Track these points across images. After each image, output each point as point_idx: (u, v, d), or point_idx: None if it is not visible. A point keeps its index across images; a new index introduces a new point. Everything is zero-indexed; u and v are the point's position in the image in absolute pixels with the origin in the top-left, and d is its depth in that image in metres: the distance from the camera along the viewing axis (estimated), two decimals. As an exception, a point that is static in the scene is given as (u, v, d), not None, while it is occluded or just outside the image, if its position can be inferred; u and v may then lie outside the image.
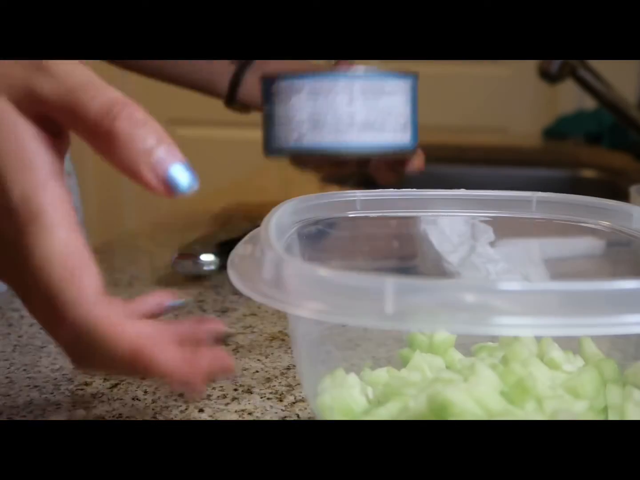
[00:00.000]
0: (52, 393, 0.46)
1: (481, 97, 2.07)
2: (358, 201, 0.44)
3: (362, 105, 0.52)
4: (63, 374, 0.48)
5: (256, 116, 0.73)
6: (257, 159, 0.91)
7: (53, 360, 0.50)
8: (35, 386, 0.47)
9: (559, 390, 0.34)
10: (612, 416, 0.34)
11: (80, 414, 0.43)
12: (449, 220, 0.52)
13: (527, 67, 1.71)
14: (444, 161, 1.59)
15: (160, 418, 0.43)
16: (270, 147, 0.61)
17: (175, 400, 0.44)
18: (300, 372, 0.37)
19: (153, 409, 0.44)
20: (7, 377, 0.48)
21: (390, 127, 0.54)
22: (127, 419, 0.43)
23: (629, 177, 1.30)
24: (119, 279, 0.68)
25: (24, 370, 0.49)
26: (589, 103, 1.67)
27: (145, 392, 0.46)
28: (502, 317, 0.28)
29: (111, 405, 0.44)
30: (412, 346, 0.41)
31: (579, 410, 0.34)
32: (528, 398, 0.33)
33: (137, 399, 0.45)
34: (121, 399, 0.45)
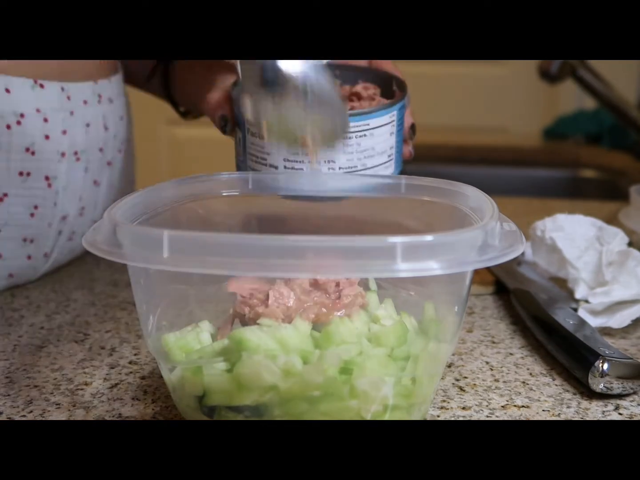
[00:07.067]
0: (52, 393, 0.46)
1: (481, 97, 2.07)
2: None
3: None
4: (63, 374, 0.48)
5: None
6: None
7: (53, 360, 0.50)
8: (35, 386, 0.47)
9: (364, 339, 0.39)
10: (411, 363, 0.39)
11: (80, 414, 0.43)
12: (576, 224, 0.60)
13: (527, 67, 1.71)
14: (444, 161, 1.59)
15: (160, 418, 0.43)
16: None
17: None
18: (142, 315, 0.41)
19: (153, 409, 0.44)
20: (7, 377, 0.48)
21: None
22: (127, 419, 0.43)
23: (628, 177, 1.30)
24: (118, 279, 0.68)
25: (24, 370, 0.49)
26: (589, 103, 1.67)
27: (145, 392, 0.46)
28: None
29: (111, 405, 0.44)
30: None
31: (377, 354, 0.38)
32: (330, 343, 0.38)
33: (137, 399, 0.45)
34: (121, 399, 0.45)
